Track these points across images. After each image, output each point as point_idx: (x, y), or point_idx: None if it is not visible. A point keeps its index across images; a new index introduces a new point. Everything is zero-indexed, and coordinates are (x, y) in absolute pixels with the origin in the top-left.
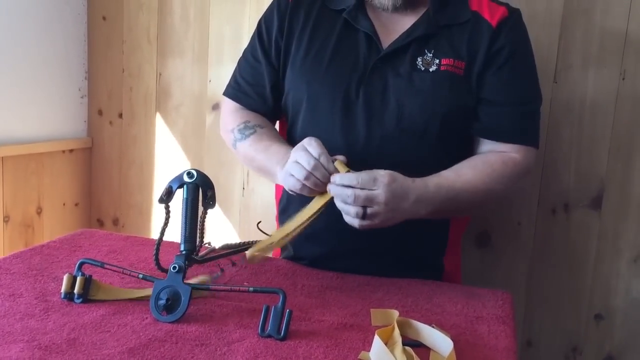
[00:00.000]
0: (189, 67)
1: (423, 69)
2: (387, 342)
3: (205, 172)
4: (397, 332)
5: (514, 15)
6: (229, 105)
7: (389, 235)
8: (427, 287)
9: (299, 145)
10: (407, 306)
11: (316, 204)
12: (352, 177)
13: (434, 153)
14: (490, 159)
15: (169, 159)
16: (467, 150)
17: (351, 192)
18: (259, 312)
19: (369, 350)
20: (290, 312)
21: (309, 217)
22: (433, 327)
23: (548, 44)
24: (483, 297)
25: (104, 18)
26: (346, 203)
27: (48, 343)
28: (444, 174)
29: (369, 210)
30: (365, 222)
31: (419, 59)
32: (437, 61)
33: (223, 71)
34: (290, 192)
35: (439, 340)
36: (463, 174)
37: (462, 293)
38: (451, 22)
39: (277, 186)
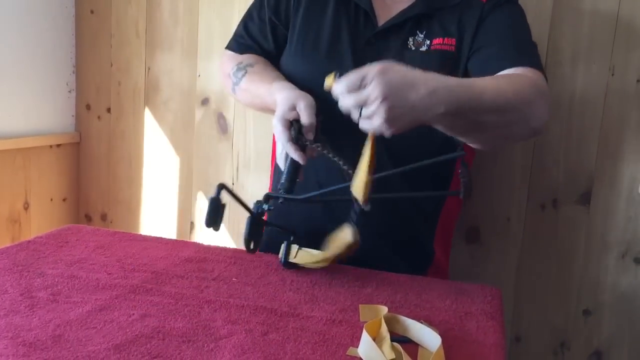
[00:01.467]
0: (178, 61)
1: (414, 48)
2: (376, 338)
3: (194, 167)
4: (384, 328)
5: None
6: (227, 54)
7: (380, 215)
8: (417, 282)
9: (289, 99)
10: (396, 302)
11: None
12: (342, 85)
13: (426, 132)
14: (507, 74)
15: (157, 154)
16: None
17: (342, 98)
18: (248, 308)
19: (357, 346)
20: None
21: (368, 163)
22: (422, 323)
23: (538, 40)
24: (472, 293)
25: (92, 12)
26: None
27: (33, 340)
28: (464, 78)
29: (364, 111)
30: (376, 124)
31: (410, 39)
32: (427, 42)
33: (212, 66)
34: None
35: (428, 336)
36: (486, 78)
37: (451, 289)
38: (445, 5)
39: (271, 179)
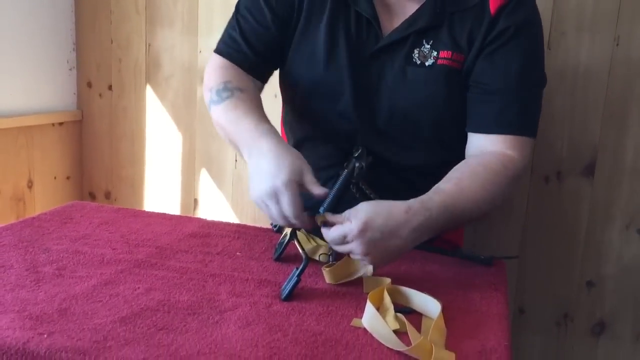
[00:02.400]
0: (179, 37)
1: (419, 62)
2: (379, 309)
3: (197, 144)
4: (388, 299)
5: None
6: (216, 61)
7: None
8: (420, 255)
9: (270, 170)
10: (400, 275)
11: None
12: (328, 238)
13: (432, 148)
14: (489, 162)
15: (160, 131)
16: (463, 147)
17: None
18: (252, 281)
19: (361, 317)
20: (298, 280)
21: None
22: (424, 293)
23: (542, 10)
24: (475, 265)
25: None
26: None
27: (39, 313)
28: (446, 189)
29: (354, 257)
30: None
31: (416, 51)
32: (434, 54)
33: (213, 41)
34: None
35: (430, 306)
36: (466, 187)
37: (455, 261)
38: (457, 9)
39: (282, 124)
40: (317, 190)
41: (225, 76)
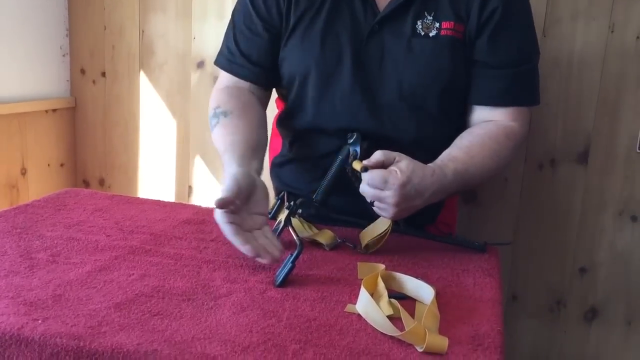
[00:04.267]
0: (173, 23)
1: (423, 33)
2: (373, 295)
3: (191, 131)
4: (382, 285)
5: None
6: (221, 79)
7: None
8: (414, 241)
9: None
10: (394, 260)
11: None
12: (364, 177)
13: (437, 121)
14: (494, 134)
15: (154, 119)
16: (463, 119)
17: (362, 188)
18: (247, 268)
19: (355, 303)
20: (292, 266)
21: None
22: (417, 279)
23: None
24: (469, 250)
25: None
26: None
27: (34, 299)
28: (458, 156)
29: (376, 205)
30: (382, 214)
31: (419, 22)
32: (437, 25)
33: (207, 27)
34: None
35: (424, 291)
36: (475, 155)
37: (448, 247)
38: None
39: (272, 139)
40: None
41: (216, 100)
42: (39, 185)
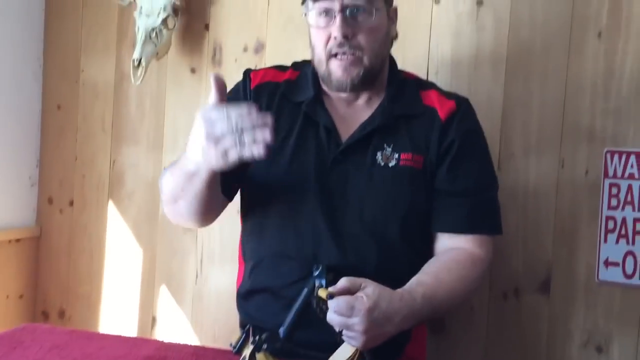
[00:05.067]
0: (144, 154)
1: (383, 164)
2: None
3: (157, 260)
4: None
5: (462, 107)
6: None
7: None
8: None
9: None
10: None
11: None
12: (331, 304)
13: (398, 249)
14: (461, 260)
15: (120, 247)
16: (427, 248)
17: (329, 316)
18: None
19: None
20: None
21: None
22: None
23: (491, 133)
24: None
25: (58, 107)
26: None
27: None
28: (426, 281)
29: (344, 333)
30: (351, 343)
31: (379, 154)
32: (396, 155)
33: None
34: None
35: None
36: (443, 279)
37: None
38: (406, 113)
39: (239, 268)
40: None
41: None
42: None
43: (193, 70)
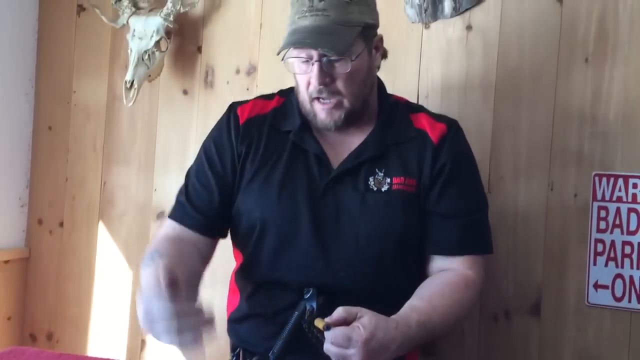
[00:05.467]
0: (135, 175)
1: (375, 189)
2: None
3: None
4: None
5: (452, 129)
6: (164, 230)
7: None
8: None
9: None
10: None
11: None
12: (327, 335)
13: (392, 272)
14: (454, 282)
15: (110, 269)
16: (421, 271)
17: (326, 347)
18: None
19: None
20: None
21: None
22: None
23: (481, 157)
24: None
25: (50, 128)
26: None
27: None
28: (420, 307)
29: None
30: None
31: (371, 179)
32: (388, 180)
33: (169, 180)
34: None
35: None
36: (436, 304)
37: None
38: (398, 140)
39: (230, 293)
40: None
41: (155, 246)
42: None
43: (185, 92)
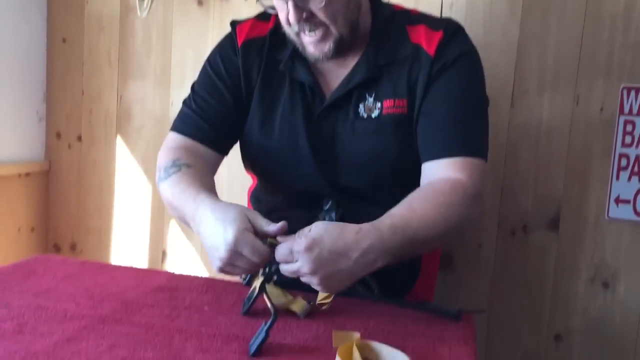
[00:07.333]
0: (151, 89)
1: (365, 116)
2: None
3: None
4: (357, 354)
5: (448, 34)
6: (170, 141)
7: None
8: (390, 309)
9: (217, 220)
10: (370, 329)
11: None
12: (277, 256)
13: (393, 198)
14: (439, 186)
15: (129, 183)
16: None
17: (280, 268)
18: (220, 337)
19: None
20: (266, 336)
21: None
22: (393, 348)
23: (505, 70)
24: (445, 318)
25: (64, 40)
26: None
27: None
28: (396, 212)
29: (302, 279)
30: (316, 288)
31: (361, 106)
32: (378, 105)
33: (185, 94)
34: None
35: None
36: (417, 208)
37: (424, 315)
38: (391, 60)
39: (248, 198)
40: (272, 228)
41: (175, 154)
42: (8, 250)
43: (200, 3)
